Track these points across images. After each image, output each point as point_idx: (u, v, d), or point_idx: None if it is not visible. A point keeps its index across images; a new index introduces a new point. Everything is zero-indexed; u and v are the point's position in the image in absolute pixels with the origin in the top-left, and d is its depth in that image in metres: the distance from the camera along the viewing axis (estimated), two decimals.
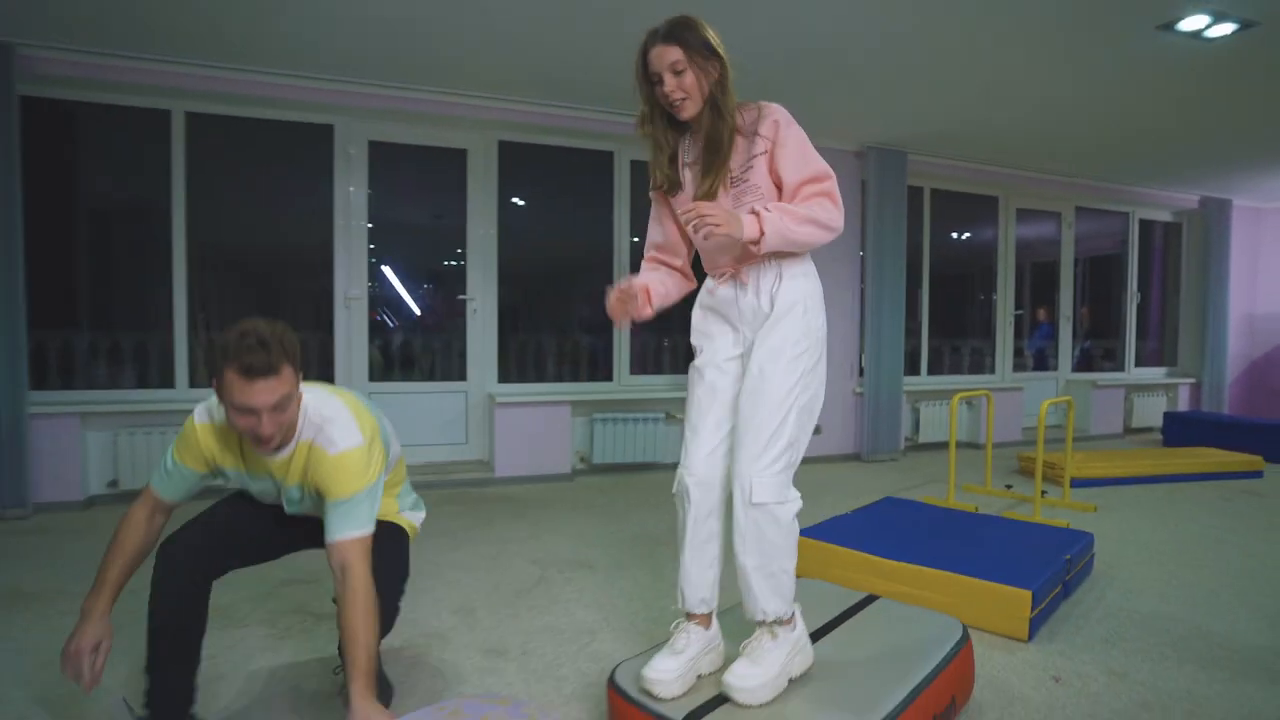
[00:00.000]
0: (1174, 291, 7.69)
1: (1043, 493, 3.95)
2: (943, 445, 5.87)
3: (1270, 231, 7.81)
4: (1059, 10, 3.17)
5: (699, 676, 1.66)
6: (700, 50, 1.60)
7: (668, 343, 5.27)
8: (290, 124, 4.30)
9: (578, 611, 2.53)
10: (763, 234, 1.53)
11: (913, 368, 6.01)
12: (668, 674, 1.59)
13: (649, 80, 1.64)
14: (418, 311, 4.79)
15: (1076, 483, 4.44)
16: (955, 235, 6.55)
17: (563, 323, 5.16)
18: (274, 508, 1.72)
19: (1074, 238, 6.87)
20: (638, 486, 4.45)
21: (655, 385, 5.08)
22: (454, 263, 4.69)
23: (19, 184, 3.61)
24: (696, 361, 1.77)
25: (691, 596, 1.72)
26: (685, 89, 1.61)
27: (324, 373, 4.38)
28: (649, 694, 1.58)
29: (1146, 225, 7.43)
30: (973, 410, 6.06)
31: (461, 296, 4.63)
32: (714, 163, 1.64)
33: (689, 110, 1.63)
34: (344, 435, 1.57)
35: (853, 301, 5.59)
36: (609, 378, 4.98)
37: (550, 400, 4.55)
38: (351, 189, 4.37)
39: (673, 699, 1.57)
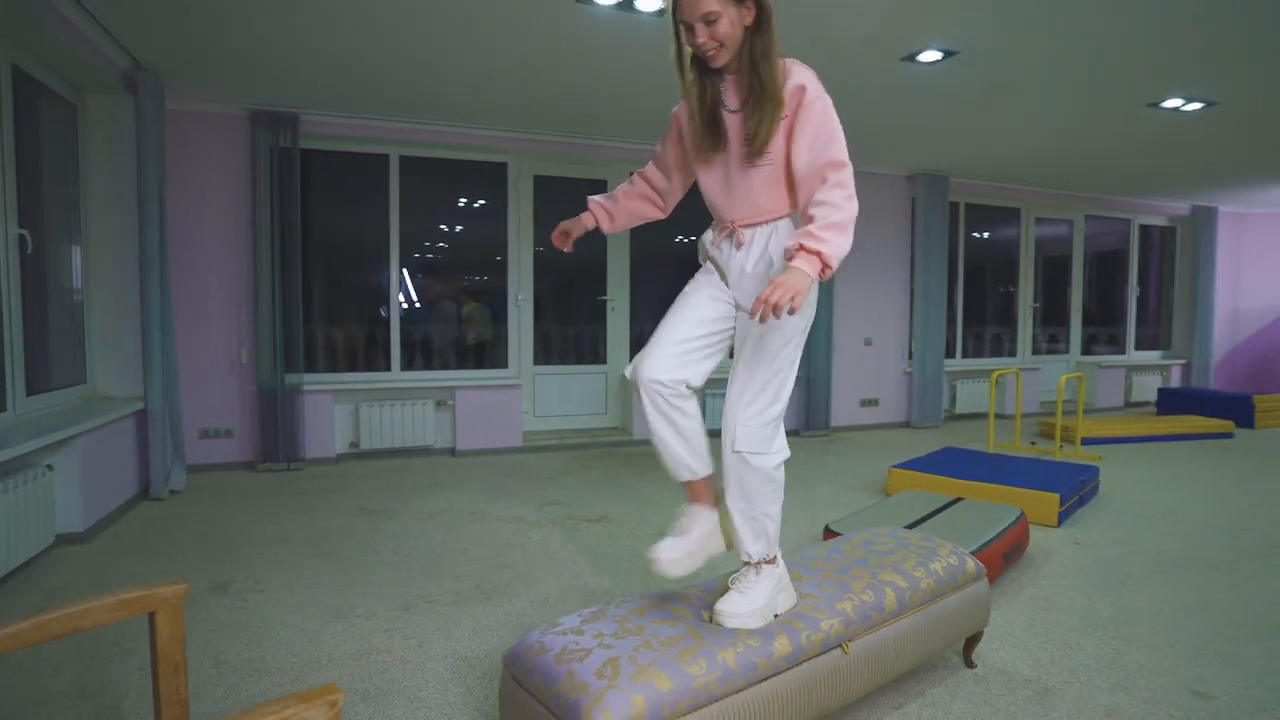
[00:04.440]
0: (1169, 285, 8.90)
1: (1060, 446, 5.19)
2: (975, 415, 7.13)
3: (1252, 234, 9.02)
4: (1074, 93, 4.38)
5: (709, 557, 1.71)
6: None
7: None
8: (474, 162, 5.52)
9: None
10: (828, 269, 1.47)
11: (949, 351, 7.25)
12: (673, 553, 1.65)
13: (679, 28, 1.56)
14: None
15: (1086, 441, 5.69)
16: (978, 235, 7.74)
17: None
18: None
19: (1083, 240, 8.08)
20: None
21: None
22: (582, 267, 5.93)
23: (299, 217, 4.84)
24: (693, 283, 1.78)
25: (673, 465, 1.70)
26: (718, 37, 1.52)
27: (499, 355, 5.64)
28: (660, 574, 1.66)
29: (1146, 229, 8.63)
30: (998, 386, 7.30)
31: (602, 297, 5.87)
32: (767, 112, 1.54)
33: (722, 59, 1.55)
34: None
35: (904, 298, 6.84)
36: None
37: None
38: (520, 213, 5.60)
39: (681, 577, 1.64)
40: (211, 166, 4.74)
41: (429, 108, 4.91)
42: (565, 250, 1.96)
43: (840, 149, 1.54)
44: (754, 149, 1.58)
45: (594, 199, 1.94)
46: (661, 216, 1.96)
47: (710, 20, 1.50)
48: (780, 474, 1.67)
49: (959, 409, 7.11)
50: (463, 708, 1.94)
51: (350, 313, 5.51)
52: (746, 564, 1.69)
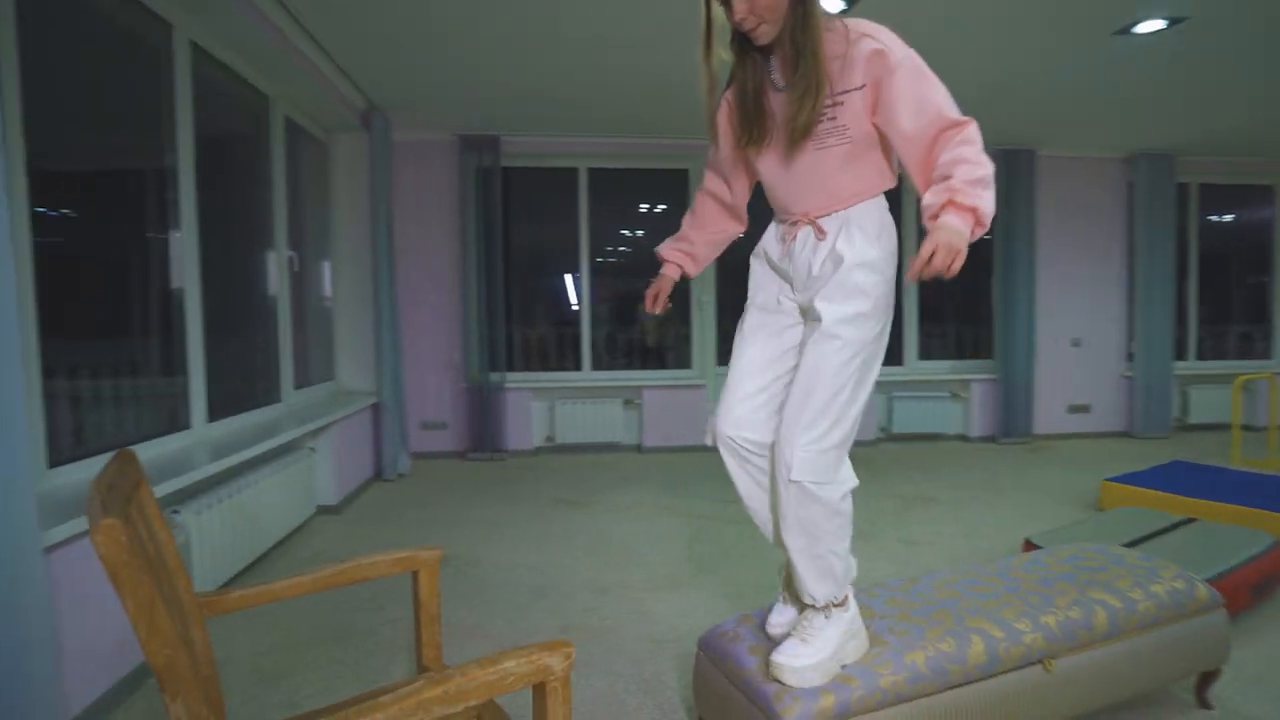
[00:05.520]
0: None
1: None
2: (1213, 426, 6.23)
3: None
4: None
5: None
6: None
7: (945, 331, 6.18)
8: (656, 170, 5.74)
9: (943, 528, 3.63)
10: (980, 228, 1.28)
11: (1178, 353, 6.38)
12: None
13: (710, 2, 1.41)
14: None
15: None
16: (1215, 218, 6.72)
17: None
18: None
19: None
20: (932, 451, 5.46)
21: (939, 369, 6.03)
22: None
23: (500, 229, 5.34)
24: (747, 320, 1.65)
25: (765, 528, 1.64)
26: (759, 10, 1.34)
27: (683, 355, 5.84)
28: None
29: None
30: (1248, 394, 6.31)
31: None
32: (810, 90, 1.36)
33: (766, 34, 1.38)
34: None
35: (1120, 293, 6.15)
36: (900, 362, 6.01)
37: None
38: None
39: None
40: (427, 187, 5.36)
41: (614, 123, 5.20)
42: (658, 312, 1.82)
43: (951, 105, 1.34)
44: (797, 131, 1.40)
45: (668, 250, 1.82)
46: (741, 231, 1.78)
47: None
48: (848, 505, 1.49)
49: (1192, 418, 6.24)
50: (657, 686, 2.09)
51: (545, 315, 5.97)
52: (811, 607, 1.51)
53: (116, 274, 2.72)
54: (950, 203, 1.26)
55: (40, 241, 2.11)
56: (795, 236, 1.52)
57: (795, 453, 1.41)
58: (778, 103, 1.45)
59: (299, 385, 4.14)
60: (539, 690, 0.96)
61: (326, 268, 4.77)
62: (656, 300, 1.80)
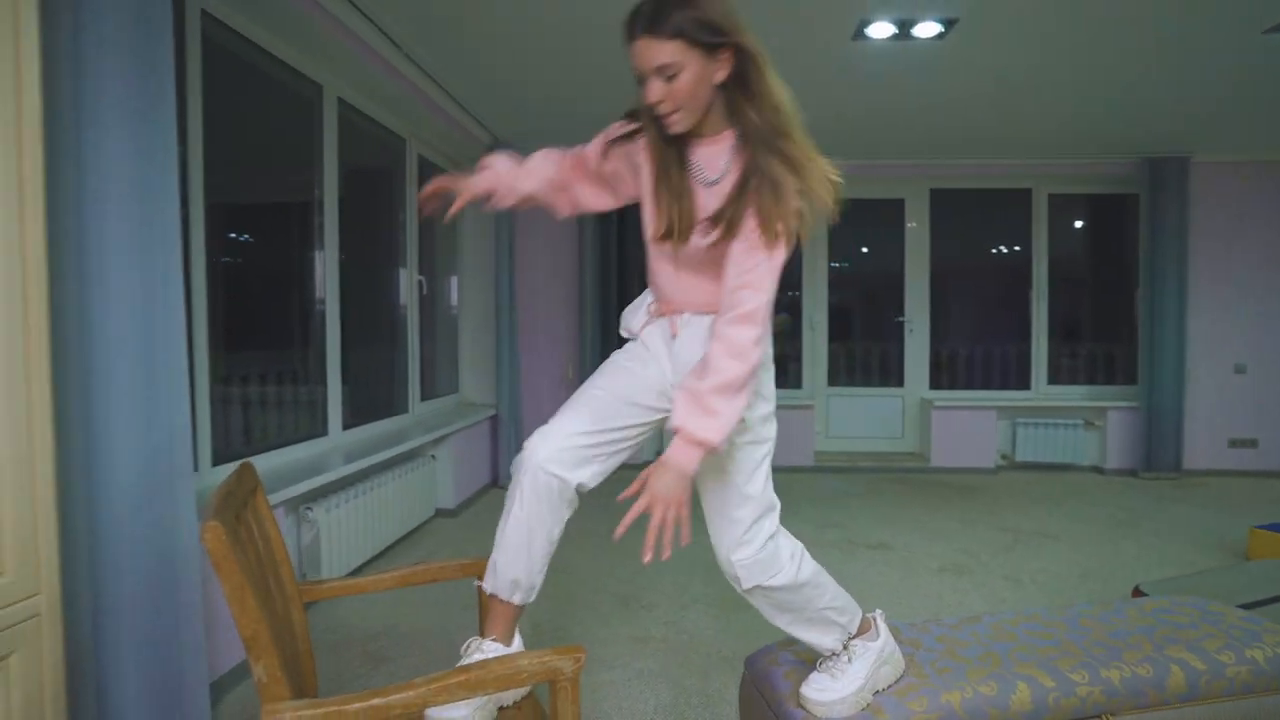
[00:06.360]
0: None
1: None
2: None
3: None
4: None
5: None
6: (700, 40, 1.17)
7: (1091, 351, 5.75)
8: (867, 200, 5.69)
9: (1055, 567, 3.42)
10: (712, 447, 1.21)
11: None
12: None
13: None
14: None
15: None
16: None
17: (985, 334, 5.90)
18: None
19: None
20: (1060, 483, 5.10)
21: (1071, 394, 5.63)
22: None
23: (615, 251, 5.58)
24: (622, 358, 1.46)
25: (507, 569, 1.39)
26: (677, 98, 1.20)
27: (793, 375, 5.83)
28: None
29: None
30: None
31: (899, 319, 5.72)
32: (764, 198, 1.21)
33: (681, 124, 1.24)
34: None
35: None
36: (1027, 386, 5.67)
37: (977, 405, 5.43)
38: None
39: None
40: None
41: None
42: (425, 210, 1.58)
43: (768, 277, 1.22)
44: (716, 229, 1.25)
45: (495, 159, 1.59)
46: (567, 213, 1.60)
47: (669, 75, 1.18)
48: (807, 569, 1.44)
49: None
50: (717, 701, 2.17)
51: None
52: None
53: (276, 293, 3.19)
54: (680, 431, 1.20)
55: (223, 263, 2.54)
56: (659, 320, 1.44)
57: (736, 569, 1.39)
58: (701, 196, 1.29)
59: (426, 397, 4.56)
60: (551, 688, 1.10)
61: (454, 290, 5.21)
62: (444, 201, 1.56)
